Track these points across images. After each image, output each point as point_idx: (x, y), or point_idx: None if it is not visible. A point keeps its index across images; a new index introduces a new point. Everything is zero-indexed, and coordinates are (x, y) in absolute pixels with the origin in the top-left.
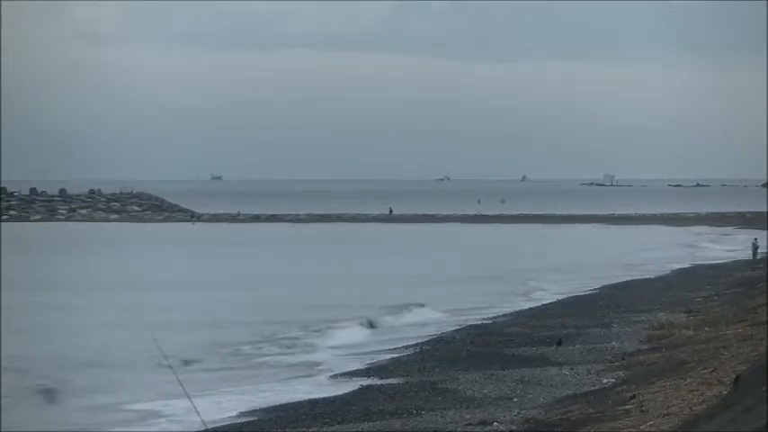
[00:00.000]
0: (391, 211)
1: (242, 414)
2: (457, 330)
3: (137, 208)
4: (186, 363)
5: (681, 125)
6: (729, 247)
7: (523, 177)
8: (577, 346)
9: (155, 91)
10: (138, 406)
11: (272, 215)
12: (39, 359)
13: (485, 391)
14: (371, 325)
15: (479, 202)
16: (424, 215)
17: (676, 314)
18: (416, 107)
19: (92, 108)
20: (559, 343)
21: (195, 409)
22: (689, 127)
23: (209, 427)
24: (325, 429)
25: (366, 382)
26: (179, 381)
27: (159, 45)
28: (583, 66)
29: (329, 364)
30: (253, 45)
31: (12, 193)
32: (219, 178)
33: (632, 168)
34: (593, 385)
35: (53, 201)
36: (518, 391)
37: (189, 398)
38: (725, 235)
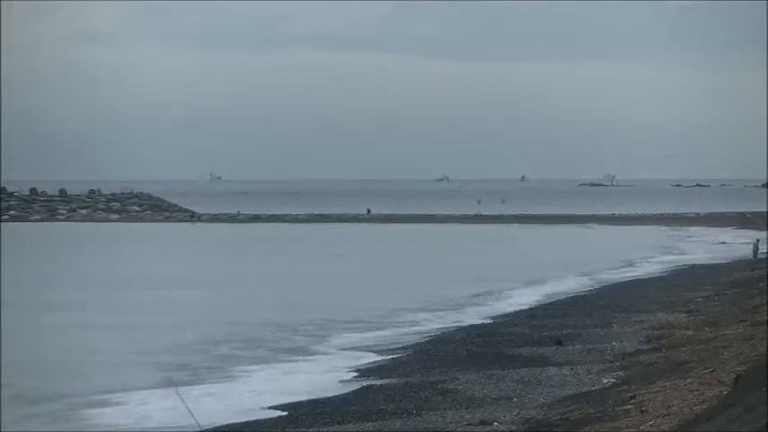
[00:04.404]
0: (369, 212)
1: (241, 414)
2: (457, 330)
3: (137, 208)
4: (183, 364)
5: (681, 125)
6: (728, 247)
7: (523, 177)
8: (577, 346)
9: (155, 91)
10: (136, 406)
11: (272, 215)
12: (36, 362)
13: (485, 391)
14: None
15: (479, 202)
16: (423, 215)
17: (676, 314)
18: (416, 107)
19: (92, 108)
20: (559, 343)
21: (189, 410)
22: (689, 127)
23: (209, 427)
24: (325, 429)
25: (366, 382)
26: (173, 382)
27: (159, 45)
28: (583, 66)
29: (329, 364)
30: (253, 45)
31: (12, 193)
32: (219, 178)
33: (632, 168)
34: (593, 385)
35: (53, 201)
36: (518, 391)
37: (182, 399)
38: (722, 234)
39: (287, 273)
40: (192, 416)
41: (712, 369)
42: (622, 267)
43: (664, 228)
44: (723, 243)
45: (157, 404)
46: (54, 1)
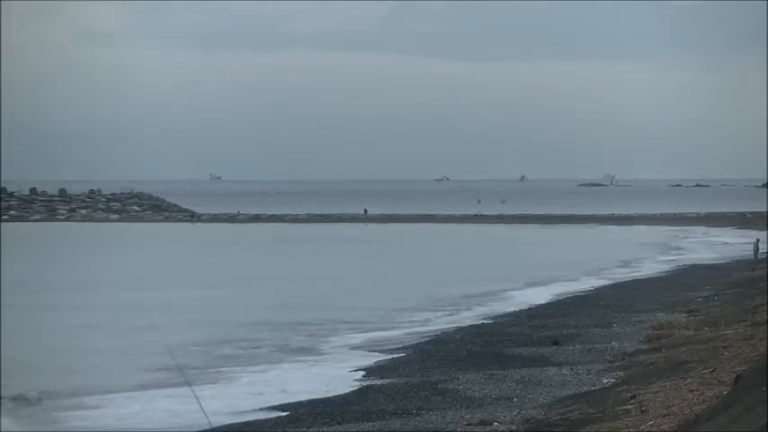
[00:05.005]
0: (366, 212)
1: (242, 414)
2: (457, 330)
3: (137, 208)
4: (183, 364)
5: (681, 125)
6: (728, 247)
7: (522, 177)
8: (577, 346)
9: (155, 91)
10: (136, 406)
11: (272, 215)
12: (36, 362)
13: (485, 391)
14: None
15: (479, 202)
16: (423, 215)
17: (676, 314)
18: (416, 107)
19: (91, 108)
20: (556, 343)
21: (202, 409)
22: (689, 127)
23: (210, 427)
24: (325, 429)
25: (366, 382)
26: (187, 381)
27: (159, 45)
28: (583, 66)
29: (329, 364)
30: (253, 45)
31: (12, 193)
32: (219, 178)
33: (632, 168)
34: (593, 385)
35: (53, 201)
36: (518, 391)
37: (197, 398)
38: (722, 235)
39: (287, 273)
40: (206, 415)
41: (712, 369)
42: (622, 267)
43: (664, 228)
44: (725, 243)
45: (157, 404)
46: (54, 1)
